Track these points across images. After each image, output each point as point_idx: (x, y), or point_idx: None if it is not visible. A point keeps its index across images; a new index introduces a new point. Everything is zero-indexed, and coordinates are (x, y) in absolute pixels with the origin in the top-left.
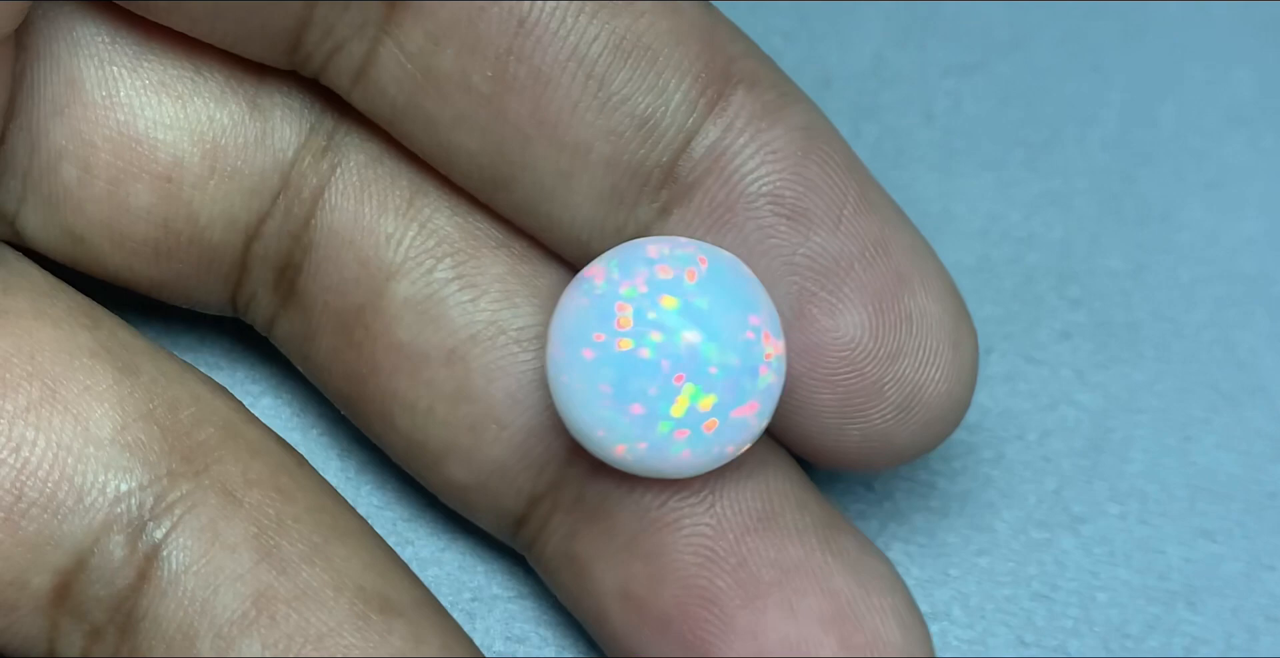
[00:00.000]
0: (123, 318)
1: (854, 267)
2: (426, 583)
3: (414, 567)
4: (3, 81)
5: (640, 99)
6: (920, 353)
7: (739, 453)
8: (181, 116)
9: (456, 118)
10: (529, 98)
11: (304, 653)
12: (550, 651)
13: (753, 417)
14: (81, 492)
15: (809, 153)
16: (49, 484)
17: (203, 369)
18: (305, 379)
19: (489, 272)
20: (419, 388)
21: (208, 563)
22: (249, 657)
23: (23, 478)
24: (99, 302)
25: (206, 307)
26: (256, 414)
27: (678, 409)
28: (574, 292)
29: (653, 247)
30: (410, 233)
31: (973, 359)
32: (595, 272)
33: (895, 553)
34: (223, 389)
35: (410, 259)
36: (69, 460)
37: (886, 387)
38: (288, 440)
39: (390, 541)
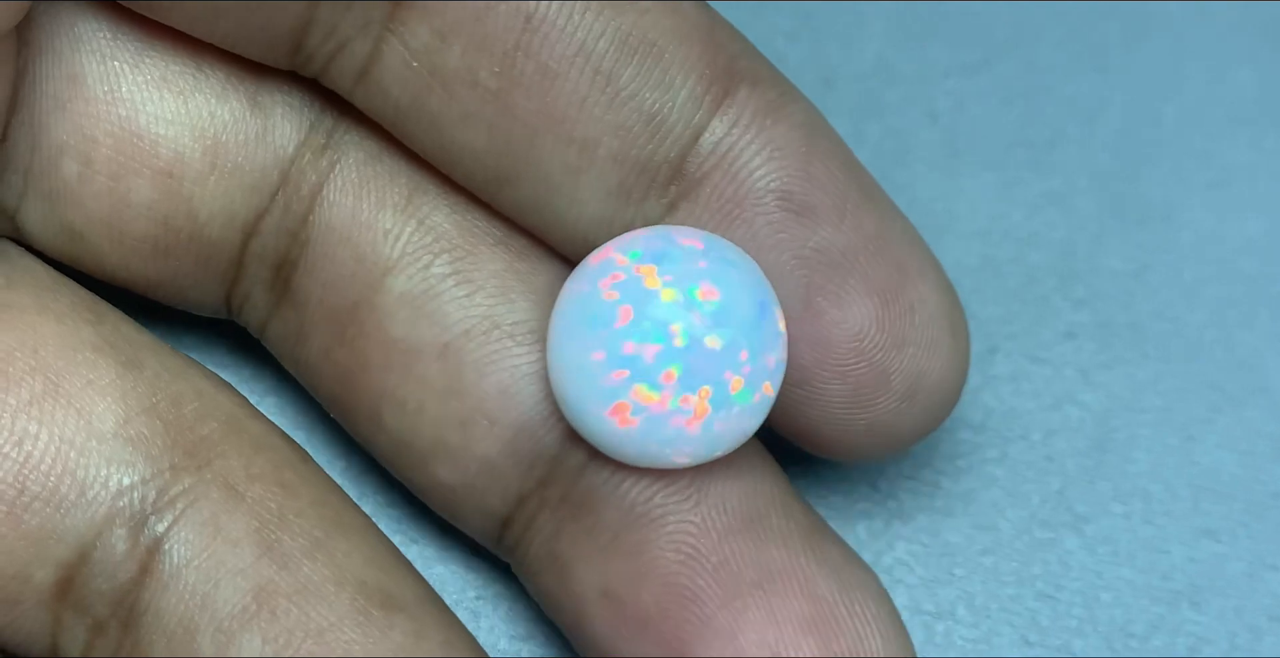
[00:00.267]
0: (127, 314)
1: (859, 259)
2: (431, 581)
3: (418, 565)
4: (5, 77)
5: (648, 95)
6: (923, 341)
7: (735, 445)
8: (183, 112)
9: (463, 115)
10: (537, 94)
11: (304, 648)
12: (555, 649)
13: (751, 408)
14: (84, 486)
15: (812, 149)
16: (51, 478)
17: (208, 366)
18: None
19: (486, 268)
20: (410, 384)
21: (209, 557)
22: (249, 651)
23: (25, 472)
24: (103, 298)
25: (201, 308)
26: (261, 411)
27: (677, 394)
28: (578, 276)
29: (660, 233)
30: (408, 229)
31: (967, 346)
32: (602, 256)
33: (899, 552)
34: (226, 384)
35: (407, 255)
36: (71, 454)
37: (893, 375)
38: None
39: (395, 539)
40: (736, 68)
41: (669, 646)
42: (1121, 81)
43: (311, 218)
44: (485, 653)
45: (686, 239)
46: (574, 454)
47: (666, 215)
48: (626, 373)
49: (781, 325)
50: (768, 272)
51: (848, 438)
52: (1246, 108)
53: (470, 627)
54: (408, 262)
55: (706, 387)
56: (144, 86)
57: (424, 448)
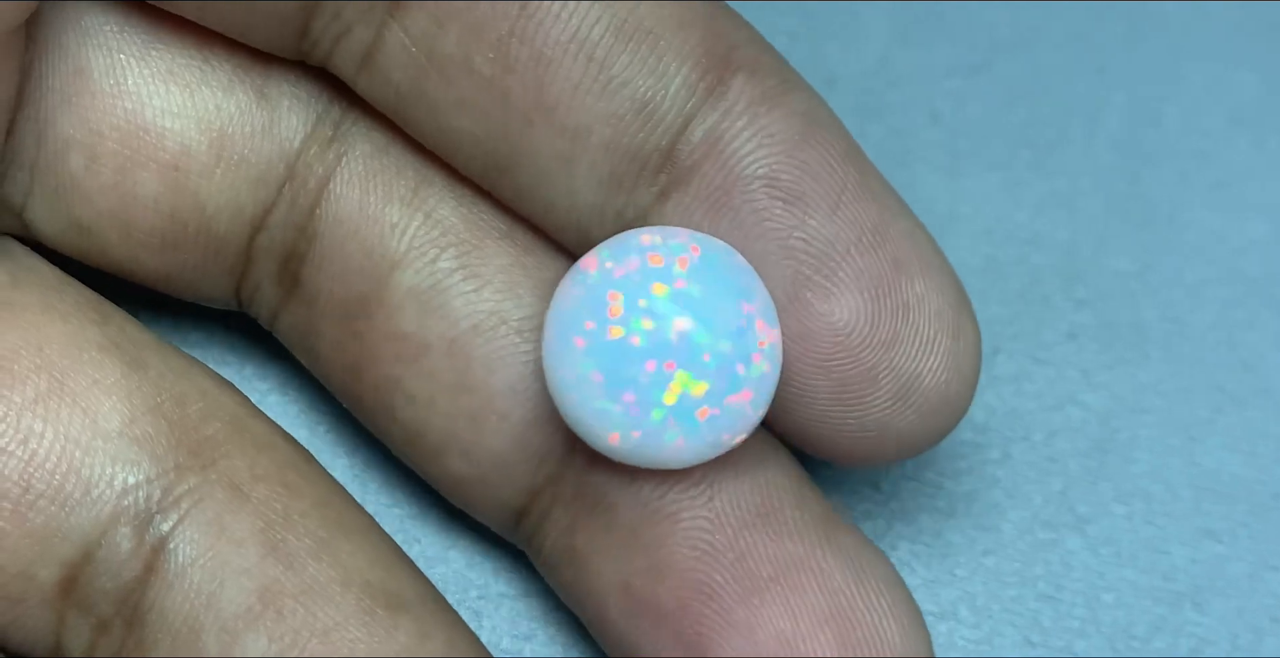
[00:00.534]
0: (131, 314)
1: (850, 252)
2: (433, 581)
3: (421, 564)
4: (11, 72)
5: (641, 82)
6: (918, 342)
7: (736, 443)
8: (189, 105)
9: (459, 101)
10: (530, 80)
11: (310, 648)
12: (557, 648)
13: (747, 405)
14: (89, 484)
15: (808, 138)
16: (56, 477)
17: (210, 366)
18: (313, 377)
19: (493, 262)
20: (420, 378)
21: (214, 557)
22: (254, 651)
23: (30, 470)
24: (107, 297)
25: (211, 300)
26: (263, 411)
27: (670, 397)
28: (568, 282)
29: (645, 235)
30: (415, 223)
31: (975, 351)
32: (589, 262)
33: (901, 553)
34: (230, 384)
35: (414, 249)
36: (76, 453)
37: (881, 375)
38: (295, 437)
39: (397, 538)
40: (734, 56)
41: (688, 640)
42: (1124, 82)
43: (318, 211)
44: (488, 653)
45: (672, 238)
46: (585, 450)
47: (657, 204)
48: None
49: (773, 321)
50: (755, 261)
51: (841, 439)
52: (1249, 108)
53: (472, 626)
54: (415, 256)
55: (702, 383)
56: (150, 80)
57: (436, 441)
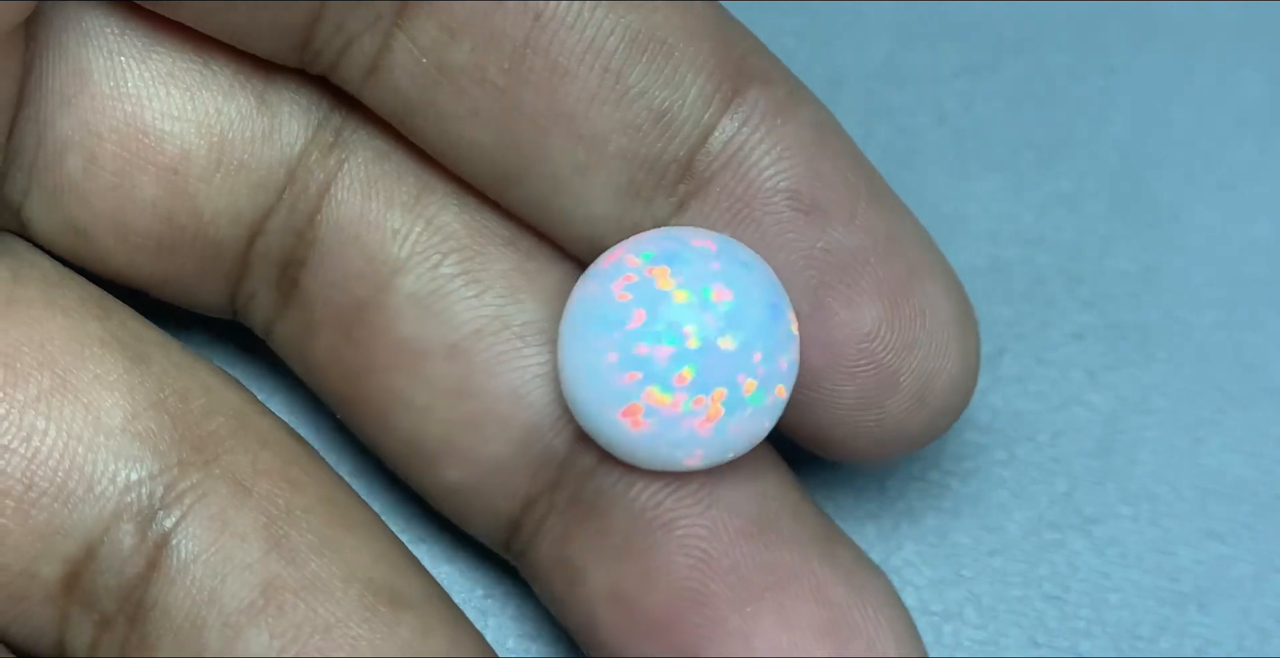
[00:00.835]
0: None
1: (869, 260)
2: (440, 579)
3: (427, 563)
4: (11, 72)
5: (657, 92)
6: (932, 343)
7: (748, 448)
8: (189, 108)
9: (471, 111)
10: (545, 91)
11: (312, 644)
12: (562, 649)
13: (764, 410)
14: (92, 481)
15: (823, 149)
16: (59, 473)
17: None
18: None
19: (495, 268)
20: (418, 384)
21: (217, 552)
22: (256, 646)
23: (33, 467)
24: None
25: (206, 307)
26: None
27: (690, 396)
28: (590, 278)
29: (672, 234)
30: (416, 229)
31: (977, 349)
32: (613, 257)
33: (907, 553)
34: (234, 380)
35: (415, 255)
36: (79, 449)
37: (902, 377)
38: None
39: (403, 538)
40: (747, 66)
41: (680, 650)
42: (1130, 83)
43: (319, 217)
44: (493, 651)
45: (699, 240)
46: (584, 457)
47: (675, 214)
48: (639, 375)
49: (794, 328)
50: (778, 272)
51: (857, 440)
52: (1254, 109)
53: (478, 626)
54: (416, 261)
55: (720, 388)
56: (150, 82)
57: (432, 449)
